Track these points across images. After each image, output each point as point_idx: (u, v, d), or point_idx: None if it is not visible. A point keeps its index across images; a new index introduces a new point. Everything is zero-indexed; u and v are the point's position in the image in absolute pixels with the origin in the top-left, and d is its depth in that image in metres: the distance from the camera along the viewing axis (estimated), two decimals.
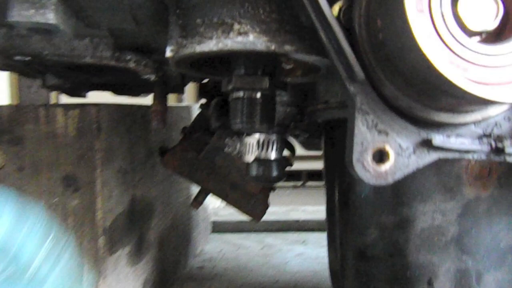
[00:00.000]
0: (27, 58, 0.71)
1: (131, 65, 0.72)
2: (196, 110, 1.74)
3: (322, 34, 0.43)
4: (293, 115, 0.75)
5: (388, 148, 0.43)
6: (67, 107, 0.90)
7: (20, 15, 0.49)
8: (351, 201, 0.73)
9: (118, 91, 1.02)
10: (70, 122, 0.91)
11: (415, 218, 0.64)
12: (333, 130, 0.77)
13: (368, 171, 0.43)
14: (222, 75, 0.64)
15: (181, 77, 0.88)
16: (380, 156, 0.44)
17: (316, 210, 2.36)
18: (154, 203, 1.25)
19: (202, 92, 1.28)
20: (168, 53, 0.51)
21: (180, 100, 2.65)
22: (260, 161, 0.73)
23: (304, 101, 0.74)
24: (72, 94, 1.13)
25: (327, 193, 0.83)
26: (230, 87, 0.54)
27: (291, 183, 3.49)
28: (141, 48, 0.75)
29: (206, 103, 1.25)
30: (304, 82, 0.66)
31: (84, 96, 1.17)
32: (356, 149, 0.43)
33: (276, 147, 0.74)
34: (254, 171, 0.73)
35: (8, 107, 0.92)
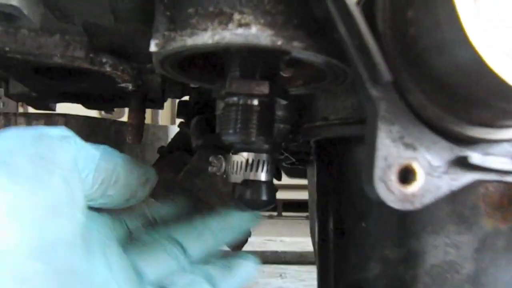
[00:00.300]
0: None
1: (107, 69, 0.64)
2: (173, 131, 1.65)
3: (341, 27, 0.36)
4: (286, 133, 0.67)
5: (416, 166, 0.36)
6: (31, 116, 0.80)
7: None
8: (349, 231, 0.65)
9: (90, 103, 0.93)
10: None
11: (424, 252, 0.56)
12: (328, 150, 0.70)
13: (392, 192, 0.36)
14: (211, 81, 0.56)
15: (161, 88, 0.80)
16: (406, 175, 0.36)
17: (294, 241, 2.27)
18: None
19: (181, 110, 1.20)
20: (153, 47, 0.43)
21: (155, 121, 2.56)
22: (249, 183, 0.65)
23: (300, 118, 0.67)
24: (38, 105, 1.03)
25: (319, 220, 0.75)
26: (223, 91, 0.46)
27: (266, 213, 3.40)
28: (118, 51, 0.66)
29: (185, 122, 1.17)
30: (303, 93, 0.58)
31: (52, 108, 1.08)
32: (379, 165, 0.36)
33: (267, 168, 0.66)
34: (241, 194, 0.65)
35: None
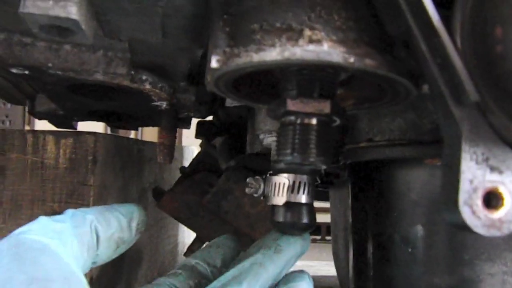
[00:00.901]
0: (26, 72, 0.60)
1: (147, 86, 0.63)
2: (189, 151, 1.63)
3: (422, 44, 0.35)
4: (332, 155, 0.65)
5: (503, 190, 0.34)
6: (59, 134, 0.79)
7: (35, 6, 0.40)
8: (393, 257, 0.62)
9: (115, 121, 0.92)
10: (62, 152, 0.79)
11: (480, 280, 0.54)
12: (368, 173, 0.68)
13: (478, 217, 0.34)
14: (260, 101, 0.55)
15: (194, 107, 0.78)
16: (491, 200, 0.34)
17: (305, 265, 2.23)
18: (143, 250, 1.12)
19: (200, 130, 1.19)
20: (214, 63, 0.42)
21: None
22: (290, 205, 0.63)
23: (341, 139, 0.65)
24: (61, 123, 1.01)
25: (355, 245, 0.73)
26: (281, 111, 0.45)
27: None
28: (157, 69, 0.65)
29: (206, 142, 1.16)
30: (352, 113, 0.57)
31: (74, 127, 1.06)
32: (464, 188, 0.34)
33: (308, 190, 0.64)
34: (281, 217, 0.63)
35: None
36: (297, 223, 0.63)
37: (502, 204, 0.34)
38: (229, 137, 1.03)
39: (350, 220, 0.80)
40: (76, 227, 0.47)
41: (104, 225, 0.50)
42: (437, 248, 0.58)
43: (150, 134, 2.81)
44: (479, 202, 0.34)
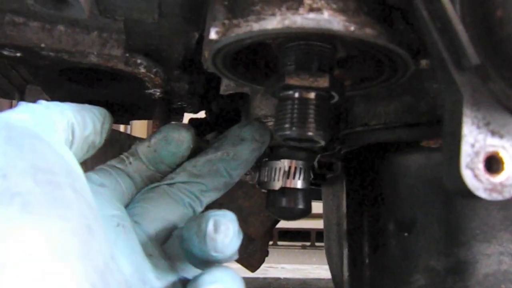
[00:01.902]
0: (18, 54, 0.59)
1: (141, 70, 0.62)
2: None
3: (423, 10, 0.35)
4: None
5: (503, 155, 0.34)
6: None
7: None
8: (390, 243, 0.62)
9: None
10: None
11: (476, 261, 0.54)
12: (363, 161, 0.68)
13: (480, 181, 0.34)
14: (256, 81, 0.54)
15: (187, 97, 0.78)
16: (492, 164, 0.34)
17: (296, 268, 2.22)
18: None
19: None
20: (213, 35, 0.41)
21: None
22: (285, 191, 0.62)
23: (335, 125, 0.65)
24: None
25: (350, 235, 0.73)
26: (280, 85, 0.44)
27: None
28: (151, 54, 0.65)
29: (199, 137, 1.15)
30: (349, 95, 0.57)
31: None
32: (466, 152, 0.34)
33: (304, 175, 0.63)
34: (277, 202, 0.62)
35: None
36: (293, 209, 0.63)
37: (502, 169, 0.34)
38: (222, 131, 1.03)
39: (344, 213, 0.80)
40: (52, 121, 0.42)
41: (81, 125, 0.46)
42: (433, 231, 0.58)
43: (139, 130, 2.80)
44: (480, 165, 0.34)
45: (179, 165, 0.55)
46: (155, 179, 0.55)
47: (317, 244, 3.65)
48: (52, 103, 0.45)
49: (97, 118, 0.49)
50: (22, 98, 0.95)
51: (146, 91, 0.72)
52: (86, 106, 0.49)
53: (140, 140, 0.59)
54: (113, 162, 0.54)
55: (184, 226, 0.49)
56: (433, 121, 0.54)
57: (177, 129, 0.54)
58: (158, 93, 0.73)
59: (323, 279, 1.94)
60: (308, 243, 3.68)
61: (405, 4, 0.37)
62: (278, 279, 1.93)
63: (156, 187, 0.54)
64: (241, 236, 0.47)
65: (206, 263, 0.47)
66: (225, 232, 0.45)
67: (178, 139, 0.54)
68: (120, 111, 0.88)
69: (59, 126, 0.43)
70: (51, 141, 0.39)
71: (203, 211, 0.54)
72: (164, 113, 0.78)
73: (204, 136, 1.15)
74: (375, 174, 0.66)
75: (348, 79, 0.53)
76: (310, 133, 0.44)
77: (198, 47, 0.67)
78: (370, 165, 0.67)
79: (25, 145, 0.35)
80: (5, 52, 0.59)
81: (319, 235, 3.65)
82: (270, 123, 0.63)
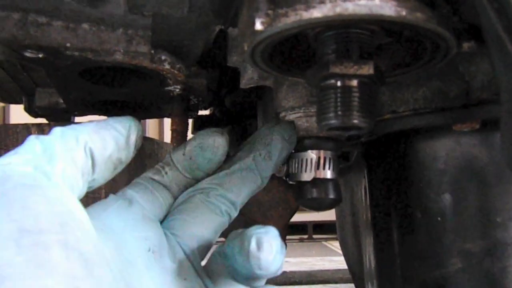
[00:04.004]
0: (41, 55, 0.58)
1: (166, 67, 0.61)
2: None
3: None
4: None
5: None
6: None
7: None
8: (421, 229, 0.63)
9: (118, 113, 0.90)
10: None
11: None
12: (388, 148, 0.68)
13: None
14: (292, 73, 0.54)
15: (205, 93, 0.77)
16: None
17: (300, 261, 2.23)
18: None
19: (197, 125, 1.17)
20: (259, 25, 0.41)
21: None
22: (316, 181, 0.62)
23: None
24: (58, 117, 0.98)
25: (375, 224, 0.73)
26: (324, 73, 0.44)
27: None
28: (174, 50, 0.64)
29: None
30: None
31: (71, 120, 1.03)
32: None
33: (333, 165, 0.63)
34: (309, 193, 0.62)
35: None
36: (325, 199, 0.63)
37: None
38: (234, 126, 1.02)
39: (362, 202, 0.81)
40: (68, 150, 0.41)
41: (100, 146, 0.44)
42: (467, 214, 0.58)
43: (151, 129, 2.77)
44: None
45: (215, 170, 0.55)
46: (192, 186, 0.54)
47: (314, 236, 3.67)
48: (67, 129, 0.43)
49: (120, 133, 0.47)
50: (30, 102, 0.94)
51: (166, 88, 0.71)
52: (107, 122, 0.47)
53: (174, 148, 0.58)
54: (149, 174, 0.53)
55: (227, 243, 0.49)
56: (466, 105, 0.54)
57: (212, 136, 0.53)
58: (177, 90, 0.72)
59: (328, 270, 1.95)
60: (305, 236, 3.70)
61: None
62: (283, 272, 1.93)
63: (192, 197, 0.53)
64: (284, 251, 0.46)
65: (252, 279, 0.48)
66: (268, 250, 0.44)
67: (214, 145, 0.53)
68: (133, 111, 0.87)
69: (76, 154, 0.42)
70: (49, 185, 0.38)
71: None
72: (182, 110, 0.77)
73: None
74: (401, 160, 0.66)
75: (383, 65, 0.53)
76: (355, 121, 0.44)
77: (216, 42, 0.67)
78: (395, 150, 0.67)
79: (16, 202, 0.35)
80: (27, 54, 0.58)
81: (316, 227, 3.66)
82: (297, 115, 0.62)
